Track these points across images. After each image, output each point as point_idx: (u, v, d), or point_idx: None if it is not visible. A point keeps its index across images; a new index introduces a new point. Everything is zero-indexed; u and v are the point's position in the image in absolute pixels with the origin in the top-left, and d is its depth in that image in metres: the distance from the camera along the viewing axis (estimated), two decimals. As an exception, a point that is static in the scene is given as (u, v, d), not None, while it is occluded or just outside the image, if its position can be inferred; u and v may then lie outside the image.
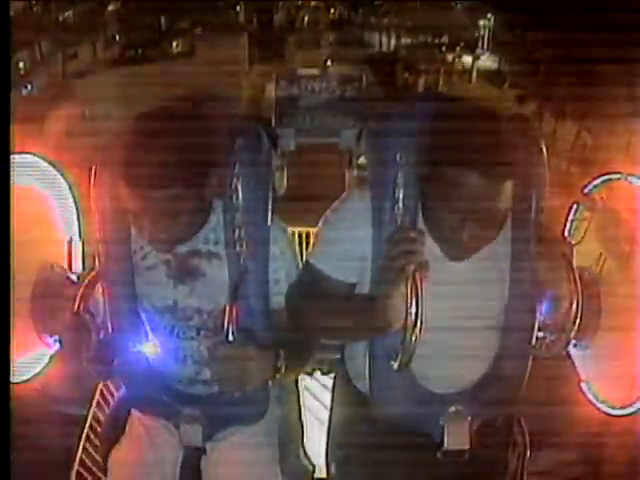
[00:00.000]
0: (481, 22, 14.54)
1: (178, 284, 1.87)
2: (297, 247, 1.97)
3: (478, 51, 13.77)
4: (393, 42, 15.97)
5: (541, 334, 1.96)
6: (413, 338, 1.64)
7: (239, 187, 1.82)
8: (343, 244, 1.82)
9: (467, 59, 13.56)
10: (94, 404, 2.39)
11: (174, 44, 15.54)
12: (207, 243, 1.85)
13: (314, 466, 2.15)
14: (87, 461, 2.25)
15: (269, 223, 1.87)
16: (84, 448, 2.26)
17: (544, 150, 1.82)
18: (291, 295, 1.88)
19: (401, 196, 1.77)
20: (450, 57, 13.74)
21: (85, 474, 2.22)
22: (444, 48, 14.33)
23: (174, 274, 1.86)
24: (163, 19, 15.67)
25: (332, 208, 1.89)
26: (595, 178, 2.10)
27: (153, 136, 1.64)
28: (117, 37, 14.61)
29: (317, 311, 1.81)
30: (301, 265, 1.91)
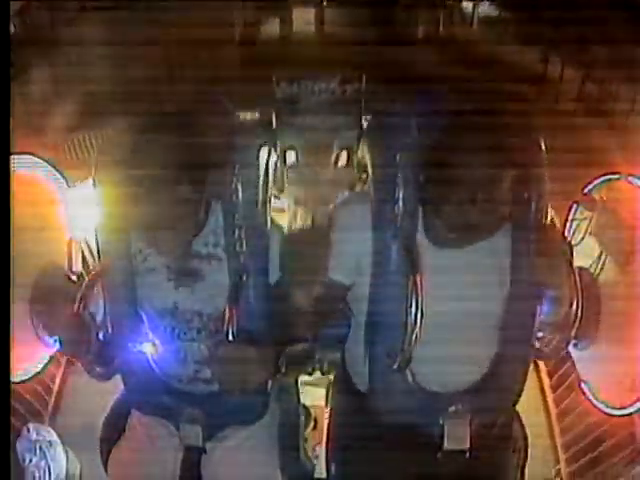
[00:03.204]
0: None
1: (179, 286, 1.87)
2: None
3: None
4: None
5: (541, 334, 1.96)
6: (413, 338, 1.64)
7: (239, 188, 1.82)
8: (342, 245, 1.82)
9: (467, 4, 13.30)
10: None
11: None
12: (207, 245, 1.85)
13: (314, 466, 2.15)
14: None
15: (268, 224, 1.88)
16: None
17: (544, 150, 1.81)
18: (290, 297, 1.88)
19: (401, 195, 1.77)
20: (450, 1, 13.53)
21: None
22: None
23: (175, 277, 1.86)
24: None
25: (332, 210, 1.88)
26: (595, 178, 2.10)
27: (153, 141, 1.65)
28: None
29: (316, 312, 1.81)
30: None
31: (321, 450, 2.15)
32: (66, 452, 2.36)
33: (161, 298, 1.88)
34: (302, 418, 2.14)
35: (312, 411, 2.17)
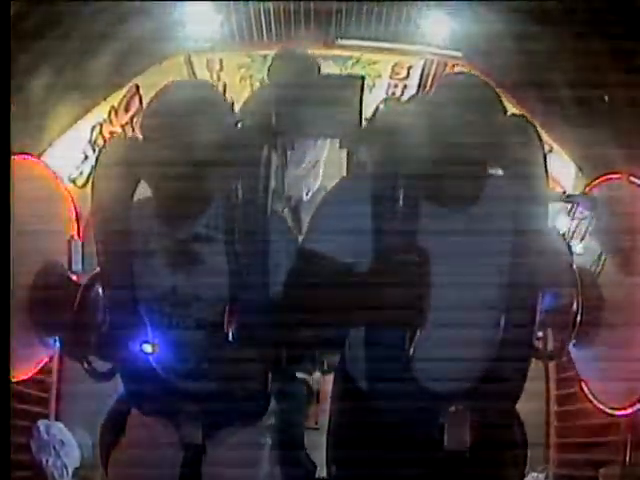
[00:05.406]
0: None
1: (177, 270, 1.86)
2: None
3: None
4: None
5: (541, 334, 1.96)
6: (414, 337, 1.64)
7: (239, 186, 1.82)
8: (341, 223, 1.80)
9: None
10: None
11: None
12: (208, 227, 1.85)
13: (314, 465, 2.15)
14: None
15: (268, 214, 1.88)
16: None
17: (544, 150, 1.82)
18: (291, 283, 1.86)
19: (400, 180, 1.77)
20: None
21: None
22: None
23: (173, 259, 1.86)
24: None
25: (329, 191, 1.88)
26: (595, 178, 2.11)
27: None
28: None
29: (318, 294, 1.79)
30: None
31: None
32: (79, 444, 2.37)
33: (159, 282, 1.87)
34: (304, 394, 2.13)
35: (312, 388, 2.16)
